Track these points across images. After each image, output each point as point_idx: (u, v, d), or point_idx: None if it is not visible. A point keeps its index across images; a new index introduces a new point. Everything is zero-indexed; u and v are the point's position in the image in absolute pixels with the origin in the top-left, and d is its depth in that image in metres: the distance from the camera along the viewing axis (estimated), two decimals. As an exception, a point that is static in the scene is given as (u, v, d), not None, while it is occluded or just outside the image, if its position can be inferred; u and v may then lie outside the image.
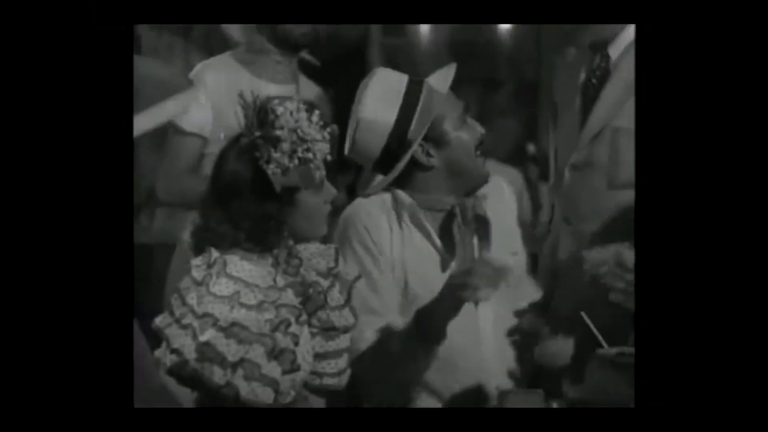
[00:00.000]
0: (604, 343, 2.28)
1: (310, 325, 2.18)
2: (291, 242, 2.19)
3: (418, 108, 2.54)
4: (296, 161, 2.10)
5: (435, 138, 2.58)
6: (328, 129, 2.17)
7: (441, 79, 2.61)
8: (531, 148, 8.15)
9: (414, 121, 2.54)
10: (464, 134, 2.61)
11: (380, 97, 2.55)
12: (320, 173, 2.15)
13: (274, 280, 2.13)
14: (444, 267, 2.70)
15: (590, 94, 2.70)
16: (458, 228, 2.64)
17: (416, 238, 2.70)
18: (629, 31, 2.68)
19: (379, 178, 2.71)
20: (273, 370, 2.09)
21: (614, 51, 2.72)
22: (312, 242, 2.25)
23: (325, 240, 2.43)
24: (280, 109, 2.08)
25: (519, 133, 7.47)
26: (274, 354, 2.08)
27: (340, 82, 3.16)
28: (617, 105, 2.63)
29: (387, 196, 2.70)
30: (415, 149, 2.56)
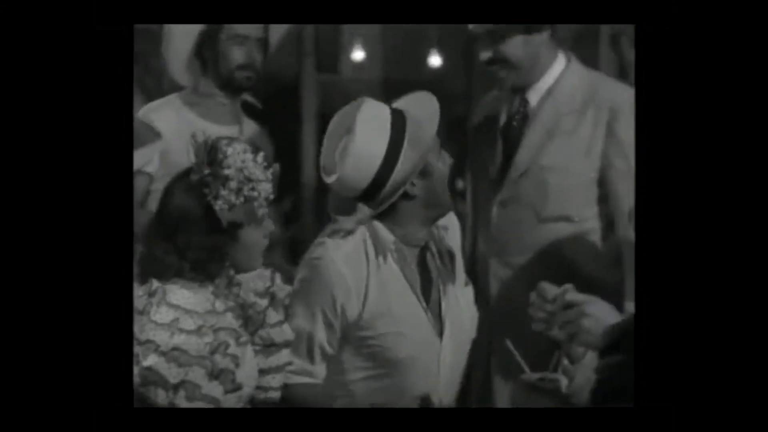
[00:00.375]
0: (526, 369, 2.34)
1: (252, 343, 2.32)
2: (232, 272, 2.32)
3: (405, 141, 2.56)
4: (242, 199, 2.23)
5: (420, 169, 2.59)
6: (271, 169, 2.28)
7: (415, 107, 2.64)
8: (460, 183, 8.34)
9: (402, 154, 2.55)
10: (441, 164, 2.64)
11: (370, 129, 2.55)
12: (263, 210, 2.27)
13: (213, 306, 2.25)
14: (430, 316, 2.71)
15: (512, 136, 2.86)
16: (434, 263, 2.70)
17: (394, 278, 2.69)
18: (547, 78, 2.85)
19: (363, 209, 2.69)
20: (214, 389, 2.23)
21: (533, 97, 2.87)
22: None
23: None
24: (228, 150, 2.22)
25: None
26: (215, 374, 2.22)
27: (276, 119, 3.25)
28: (540, 147, 2.80)
29: (363, 235, 2.66)
30: (404, 184, 2.55)
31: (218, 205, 2.23)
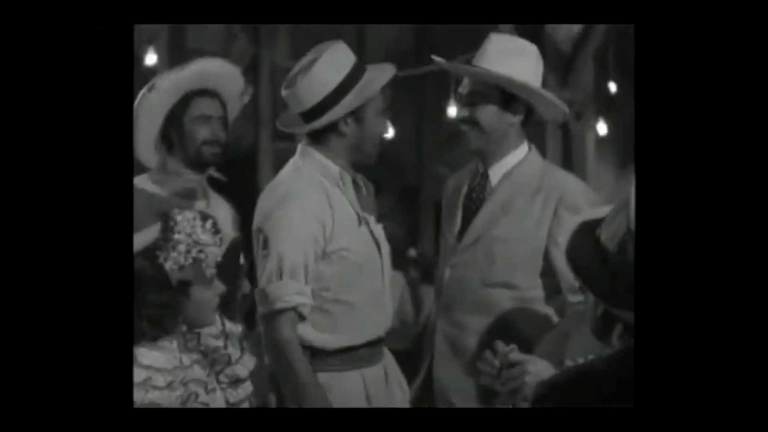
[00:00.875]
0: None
1: (219, 382, 2.60)
2: (184, 328, 2.54)
3: (358, 85, 3.01)
4: (190, 260, 2.47)
5: (356, 112, 3.05)
6: (219, 235, 2.56)
7: (377, 72, 3.10)
8: (412, 252, 8.55)
9: (351, 93, 3.01)
10: (379, 121, 3.10)
11: (332, 63, 3.02)
12: (211, 271, 2.51)
13: (180, 361, 2.48)
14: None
15: (471, 207, 3.22)
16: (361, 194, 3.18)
17: (342, 203, 3.14)
18: (510, 160, 3.21)
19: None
20: None
21: (495, 175, 3.22)
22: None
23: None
24: (179, 218, 2.49)
25: (401, 237, 7.94)
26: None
27: (236, 187, 3.54)
28: (494, 220, 3.17)
29: (306, 165, 3.14)
30: (340, 115, 3.03)
31: (168, 266, 2.46)
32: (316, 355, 3.07)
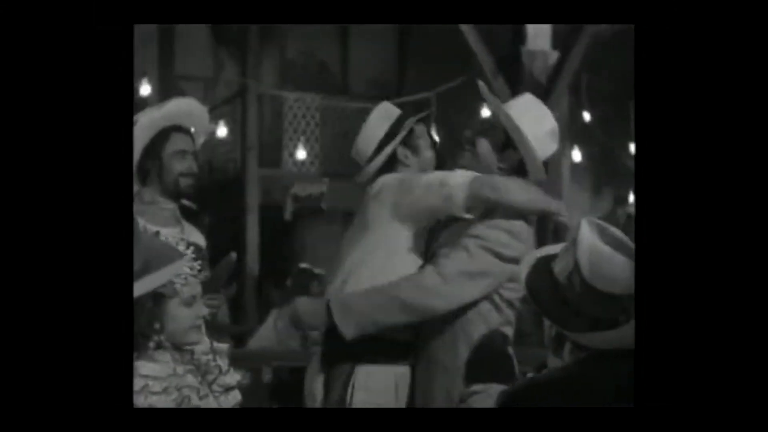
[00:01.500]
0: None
1: (212, 390, 2.82)
2: (162, 337, 2.75)
3: (399, 134, 3.75)
4: None
5: (411, 145, 3.77)
6: (198, 262, 2.82)
7: (411, 116, 3.82)
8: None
9: (394, 141, 3.73)
10: (430, 153, 3.81)
11: (378, 120, 3.79)
12: (187, 290, 2.76)
13: (174, 371, 2.74)
14: None
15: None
16: None
17: None
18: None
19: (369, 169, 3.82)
20: None
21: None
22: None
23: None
24: (162, 238, 2.83)
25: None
26: None
27: (218, 210, 3.75)
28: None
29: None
30: (398, 150, 3.75)
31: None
32: None
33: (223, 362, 2.89)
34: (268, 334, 7.30)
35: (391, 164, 3.75)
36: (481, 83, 3.70)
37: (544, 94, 7.46)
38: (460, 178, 3.47)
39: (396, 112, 3.83)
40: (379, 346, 3.42)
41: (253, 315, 9.37)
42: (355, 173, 3.86)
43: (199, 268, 2.82)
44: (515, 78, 7.32)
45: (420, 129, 3.82)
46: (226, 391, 2.83)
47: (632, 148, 8.23)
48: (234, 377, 2.89)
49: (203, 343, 2.86)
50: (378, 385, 3.42)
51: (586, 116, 8.72)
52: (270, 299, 8.48)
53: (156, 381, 2.68)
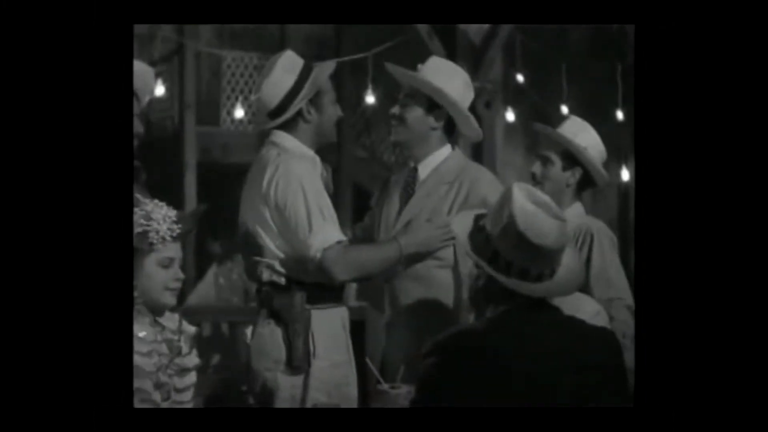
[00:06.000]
0: (381, 380, 3.13)
1: (168, 368, 2.92)
2: (145, 309, 2.87)
3: (308, 83, 3.65)
4: (140, 229, 2.82)
5: (315, 102, 3.69)
6: (178, 226, 2.89)
7: (322, 68, 3.73)
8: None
9: (303, 90, 3.65)
10: (332, 108, 3.75)
11: (285, 67, 3.68)
12: (160, 249, 2.84)
13: (156, 338, 2.89)
14: None
15: (405, 197, 3.93)
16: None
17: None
18: (436, 158, 3.84)
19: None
20: (156, 396, 2.85)
21: (423, 171, 3.86)
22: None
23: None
24: (147, 200, 2.92)
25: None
26: (158, 386, 2.86)
27: (162, 166, 3.80)
28: (421, 206, 3.85)
29: (286, 148, 3.67)
30: (302, 104, 3.66)
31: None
32: None
33: (186, 345, 2.97)
34: (208, 289, 7.40)
35: (294, 118, 3.72)
36: (388, 64, 3.89)
37: (479, 55, 7.64)
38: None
39: (300, 62, 3.75)
40: (323, 289, 3.56)
41: (192, 272, 9.31)
42: (256, 122, 3.90)
43: (179, 230, 2.88)
44: (450, 39, 7.53)
45: (326, 85, 3.78)
46: (182, 371, 2.92)
47: (564, 109, 8.34)
48: (192, 360, 2.98)
49: (172, 321, 2.94)
50: (332, 329, 3.57)
51: (520, 78, 8.89)
52: (210, 255, 8.53)
53: (144, 344, 2.82)
